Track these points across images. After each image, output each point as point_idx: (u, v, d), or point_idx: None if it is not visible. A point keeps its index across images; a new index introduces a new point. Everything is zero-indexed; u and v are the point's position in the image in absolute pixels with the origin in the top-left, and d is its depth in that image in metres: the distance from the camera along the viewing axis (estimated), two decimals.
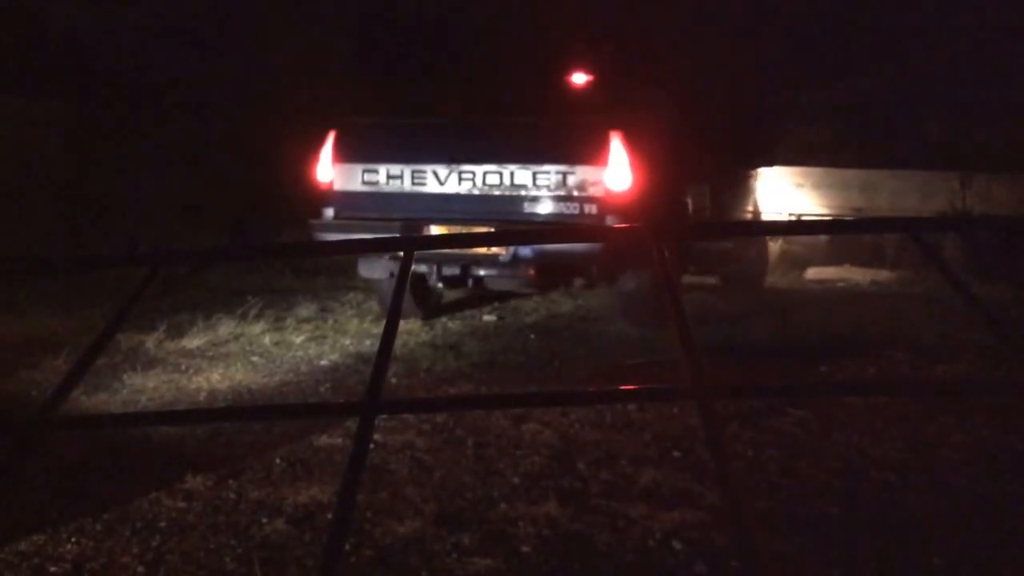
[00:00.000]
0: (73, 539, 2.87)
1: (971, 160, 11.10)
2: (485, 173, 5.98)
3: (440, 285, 6.37)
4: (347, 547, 2.74)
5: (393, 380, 4.90)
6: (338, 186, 6.31)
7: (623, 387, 4.62)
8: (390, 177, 6.19)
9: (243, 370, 5.14)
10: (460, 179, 6.04)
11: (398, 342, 5.11)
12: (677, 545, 2.80)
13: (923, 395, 5.12)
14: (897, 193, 11.12)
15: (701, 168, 6.98)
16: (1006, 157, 10.97)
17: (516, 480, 3.36)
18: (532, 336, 6.23)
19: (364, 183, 6.25)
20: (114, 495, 3.20)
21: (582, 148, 5.84)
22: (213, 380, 4.90)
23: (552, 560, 2.73)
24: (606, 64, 6.83)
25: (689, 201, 6.60)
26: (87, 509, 3.07)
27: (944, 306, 6.54)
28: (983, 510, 3.10)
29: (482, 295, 7.19)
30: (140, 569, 2.70)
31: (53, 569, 2.69)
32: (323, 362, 5.38)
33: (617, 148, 5.72)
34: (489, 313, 7.04)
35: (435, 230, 5.98)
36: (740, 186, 8.27)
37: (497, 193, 5.96)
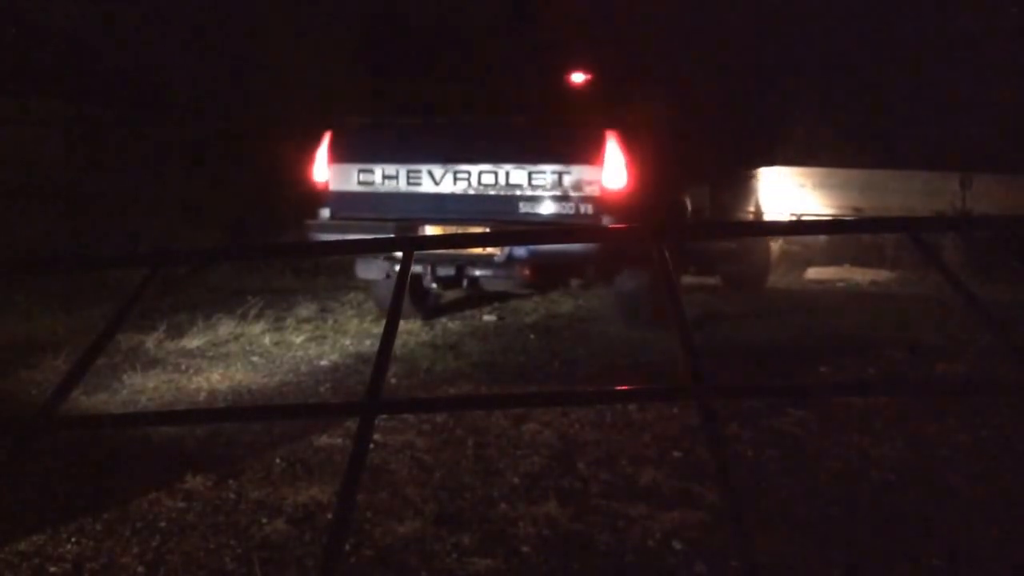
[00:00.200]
0: (73, 539, 2.87)
1: (971, 160, 11.10)
2: (480, 173, 5.97)
3: (435, 286, 6.37)
4: (347, 547, 2.74)
5: (393, 380, 4.90)
6: (334, 186, 6.31)
7: (623, 387, 4.62)
8: (385, 177, 6.19)
9: (243, 370, 5.14)
10: (455, 179, 6.03)
11: (398, 342, 5.11)
12: (677, 545, 2.80)
13: (923, 395, 5.12)
14: (897, 193, 11.11)
15: (700, 168, 6.97)
16: (1006, 157, 10.98)
17: (516, 480, 3.36)
18: (532, 336, 6.23)
19: (360, 183, 6.25)
20: (114, 495, 3.20)
21: (578, 148, 5.83)
22: (213, 380, 4.90)
23: (552, 560, 2.73)
24: (602, 63, 6.84)
25: (688, 201, 6.59)
26: (87, 509, 3.07)
27: (944, 306, 6.55)
28: (983, 510, 3.10)
29: (482, 295, 7.19)
30: (140, 569, 2.70)
31: (53, 569, 2.69)
32: (323, 362, 5.38)
33: (613, 148, 5.72)
34: (489, 313, 7.04)
35: (430, 230, 5.97)
36: (740, 186, 8.26)
37: (492, 193, 5.95)
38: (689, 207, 6.58)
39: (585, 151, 5.78)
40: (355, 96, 9.71)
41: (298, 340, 5.88)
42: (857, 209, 11.22)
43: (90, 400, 4.43)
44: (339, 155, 6.31)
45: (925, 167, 11.35)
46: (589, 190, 5.75)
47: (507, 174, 5.92)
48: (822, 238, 10.66)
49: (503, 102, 6.60)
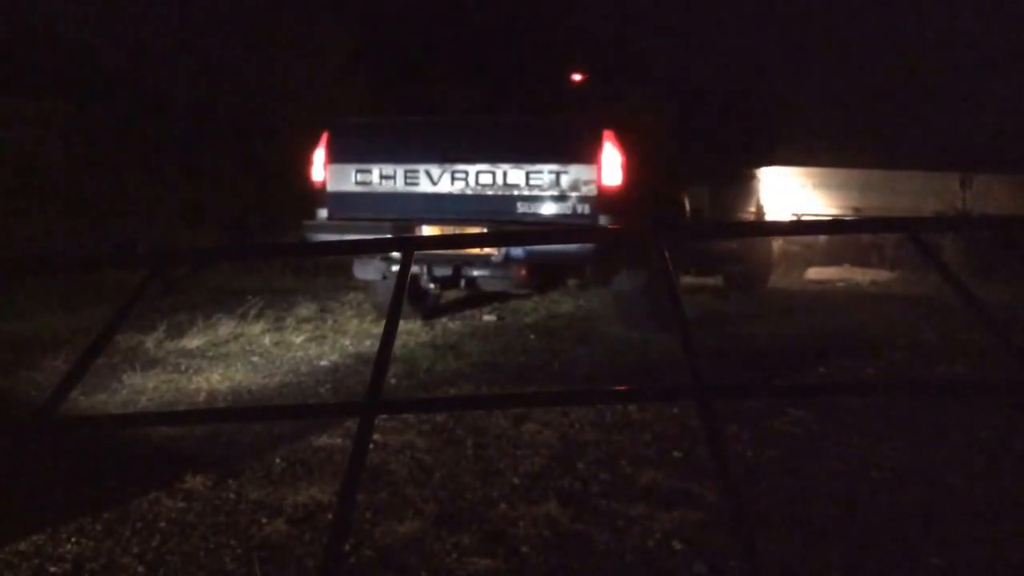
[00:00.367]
0: (73, 539, 2.87)
1: (971, 160, 11.11)
2: (478, 172, 5.97)
3: (432, 286, 6.36)
4: (347, 547, 2.74)
5: (393, 380, 4.90)
6: (331, 187, 6.30)
7: (623, 387, 4.62)
8: (383, 177, 6.18)
9: (243, 370, 5.14)
10: (453, 179, 6.03)
11: (398, 342, 5.11)
12: (677, 545, 2.80)
13: (923, 395, 5.12)
14: (897, 193, 11.12)
15: (699, 168, 6.97)
16: (1006, 157, 10.98)
17: (516, 480, 3.36)
18: (532, 336, 6.23)
19: (357, 183, 6.24)
20: (114, 495, 3.20)
21: (574, 147, 5.83)
22: (213, 380, 4.90)
23: (552, 560, 2.73)
24: (600, 62, 6.85)
25: (686, 201, 6.58)
26: (87, 509, 3.07)
27: (944, 306, 6.55)
28: (983, 510, 3.10)
29: (482, 295, 7.19)
30: (140, 569, 2.70)
31: (53, 569, 2.69)
32: (323, 362, 5.38)
33: (609, 147, 5.71)
34: (489, 313, 7.04)
35: (427, 230, 5.96)
36: (741, 186, 8.25)
37: (490, 193, 5.95)
38: (688, 207, 6.57)
39: (582, 150, 5.78)
40: (354, 96, 9.73)
41: (298, 340, 5.88)
42: (857, 209, 11.23)
43: (89, 400, 4.43)
44: (336, 155, 6.31)
45: (925, 167, 11.35)
46: (586, 189, 5.74)
47: (504, 174, 5.92)
48: (822, 238, 10.66)
49: (500, 101, 6.61)
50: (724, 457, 0.84)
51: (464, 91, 6.94)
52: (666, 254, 1.10)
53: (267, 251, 4.25)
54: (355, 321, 6.56)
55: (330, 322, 6.53)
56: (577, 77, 6.80)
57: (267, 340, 5.83)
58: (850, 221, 7.94)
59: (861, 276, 10.10)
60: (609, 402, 4.22)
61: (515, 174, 5.89)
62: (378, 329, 6.14)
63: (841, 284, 9.89)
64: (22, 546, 2.81)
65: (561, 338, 6.17)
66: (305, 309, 6.90)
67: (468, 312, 7.06)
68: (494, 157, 5.93)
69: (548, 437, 3.83)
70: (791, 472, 3.47)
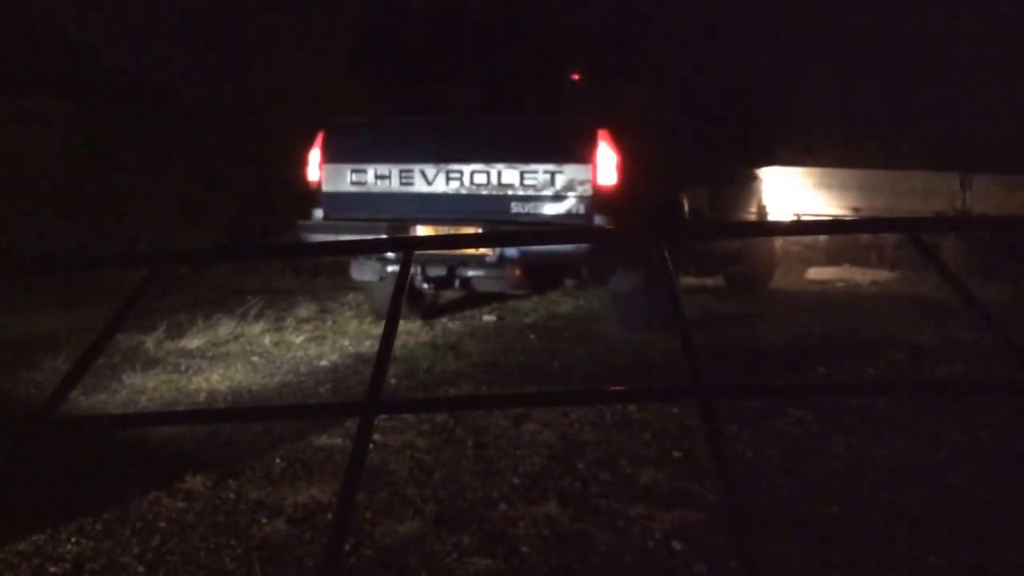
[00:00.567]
0: (73, 539, 2.87)
1: (971, 160, 11.11)
2: (473, 172, 5.96)
3: (426, 286, 6.35)
4: (347, 547, 2.74)
5: (393, 380, 4.90)
6: (327, 187, 6.29)
7: (623, 387, 4.63)
8: (378, 177, 6.17)
9: (243, 370, 5.14)
10: (448, 179, 6.02)
11: (398, 342, 5.11)
12: (677, 545, 2.80)
13: (923, 395, 5.12)
14: (897, 193, 11.12)
15: (698, 168, 6.95)
16: (1006, 157, 10.98)
17: (516, 480, 3.36)
18: (532, 336, 6.23)
19: (352, 183, 6.23)
20: (114, 495, 3.20)
21: (569, 147, 5.82)
22: (213, 380, 4.90)
23: (552, 560, 2.73)
24: (596, 62, 6.84)
25: (685, 201, 6.56)
26: (87, 509, 3.07)
27: (944, 306, 6.55)
28: (983, 510, 3.10)
29: (481, 296, 7.19)
30: (140, 569, 2.70)
31: (53, 569, 2.69)
32: (323, 362, 5.38)
33: (604, 147, 5.70)
34: (489, 313, 7.04)
35: (422, 230, 5.95)
36: (741, 187, 8.24)
37: (485, 192, 5.94)
38: (687, 207, 6.55)
39: (577, 150, 5.77)
40: (354, 96, 9.72)
41: (298, 340, 5.88)
42: (857, 209, 11.22)
43: (89, 400, 4.43)
44: (332, 155, 6.30)
45: (925, 167, 11.35)
46: (581, 190, 5.73)
47: (499, 173, 5.91)
48: (822, 238, 10.66)
49: (495, 101, 6.59)
50: (724, 457, 0.84)
51: (459, 91, 6.92)
52: (666, 254, 1.10)
53: (267, 251, 4.25)
54: (355, 321, 6.56)
55: (330, 322, 6.53)
56: (574, 76, 6.78)
57: (267, 340, 5.82)
58: (850, 221, 7.95)
59: (861, 276, 10.10)
60: (609, 402, 4.22)
61: (510, 174, 5.88)
62: (378, 329, 6.13)
63: (841, 284, 9.89)
64: (22, 546, 2.81)
65: (561, 338, 6.16)
66: (305, 309, 6.90)
67: (468, 312, 7.06)
68: (489, 157, 5.92)
69: (548, 437, 3.83)
70: (791, 472, 3.47)
